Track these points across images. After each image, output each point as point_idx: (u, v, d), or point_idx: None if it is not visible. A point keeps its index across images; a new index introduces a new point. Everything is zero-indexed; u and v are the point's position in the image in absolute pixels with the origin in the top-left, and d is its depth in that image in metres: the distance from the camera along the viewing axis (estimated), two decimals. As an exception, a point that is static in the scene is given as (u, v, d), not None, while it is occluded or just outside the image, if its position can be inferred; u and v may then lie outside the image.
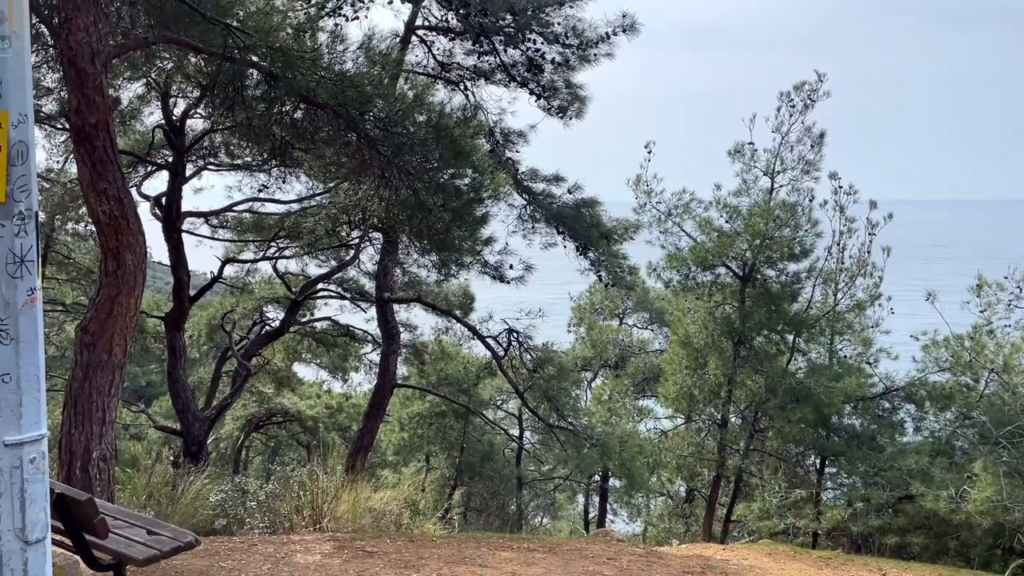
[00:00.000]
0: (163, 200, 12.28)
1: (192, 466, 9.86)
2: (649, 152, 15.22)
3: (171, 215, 12.04)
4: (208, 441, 13.22)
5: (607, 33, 11.39)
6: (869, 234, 14.74)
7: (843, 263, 14.95)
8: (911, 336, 14.70)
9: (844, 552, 12.57)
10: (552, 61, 11.71)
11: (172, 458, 13.18)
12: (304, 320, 17.16)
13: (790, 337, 15.05)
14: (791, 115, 14.70)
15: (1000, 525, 11.31)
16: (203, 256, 15.21)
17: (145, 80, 10.80)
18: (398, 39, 11.47)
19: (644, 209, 15.24)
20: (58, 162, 14.05)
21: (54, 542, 3.37)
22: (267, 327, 16.79)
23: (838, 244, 14.93)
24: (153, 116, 12.17)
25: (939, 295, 14.05)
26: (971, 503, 11.73)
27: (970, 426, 13.86)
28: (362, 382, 21.34)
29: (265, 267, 16.29)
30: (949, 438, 14.09)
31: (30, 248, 2.46)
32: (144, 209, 11.88)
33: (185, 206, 12.69)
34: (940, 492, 12.11)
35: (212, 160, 12.96)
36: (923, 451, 13.38)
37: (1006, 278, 13.82)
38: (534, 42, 11.49)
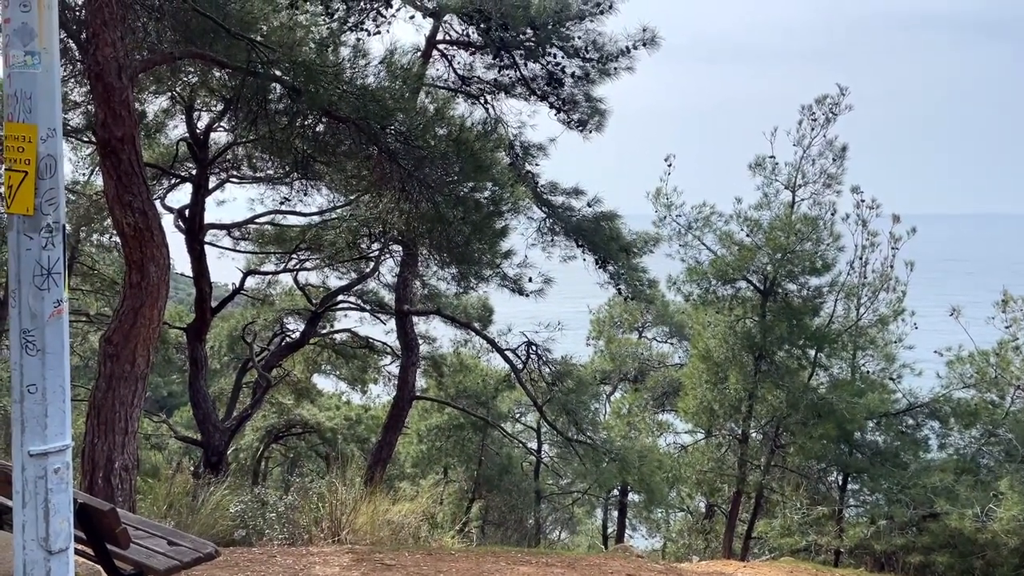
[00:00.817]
0: (186, 212, 12.40)
1: (212, 477, 9.92)
2: (669, 165, 15.21)
3: (194, 227, 12.15)
4: (228, 452, 13.29)
5: (627, 47, 11.41)
6: (892, 248, 14.63)
7: (865, 277, 14.83)
8: (935, 352, 14.54)
9: (867, 571, 12.40)
10: (572, 75, 11.73)
11: (192, 468, 13.26)
12: (324, 332, 17.24)
13: (812, 352, 14.92)
14: (813, 128, 14.65)
15: (1027, 545, 11.13)
16: (225, 268, 15.35)
17: (170, 94, 10.94)
18: (419, 53, 11.55)
19: (664, 222, 15.21)
20: (84, 174, 14.26)
21: (75, 551, 3.39)
22: (287, 338, 16.88)
23: (860, 258, 14.81)
24: (177, 129, 12.33)
25: (963, 310, 13.90)
26: (997, 522, 11.55)
27: (996, 443, 13.66)
28: (381, 394, 21.41)
29: (286, 279, 16.41)
30: (974, 455, 13.89)
31: (57, 260, 2.50)
32: (167, 221, 12.01)
33: (208, 218, 12.81)
34: (965, 510, 11.93)
35: (235, 173, 13.09)
36: (948, 468, 13.19)
37: (1032, 293, 13.67)
38: (554, 56, 11.53)
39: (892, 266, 14.64)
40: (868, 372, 14.98)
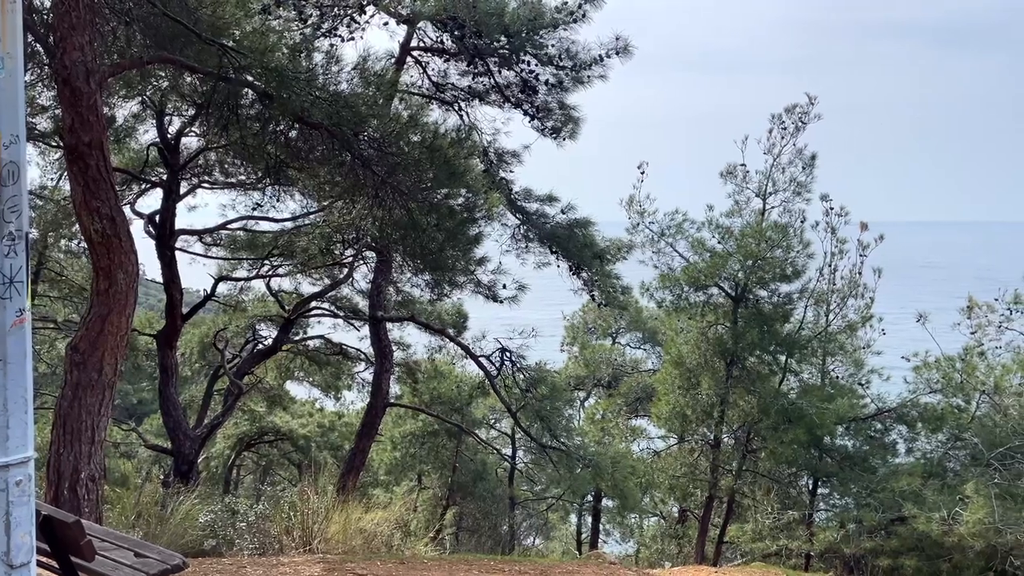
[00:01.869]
0: (157, 218, 12.28)
1: (182, 486, 9.80)
2: (642, 173, 15.31)
3: (165, 233, 12.03)
4: (199, 460, 13.13)
5: (600, 55, 11.46)
6: (860, 255, 14.82)
7: (835, 284, 15.02)
8: (902, 357, 14.74)
9: (836, 574, 12.54)
10: (546, 82, 11.77)
11: (162, 477, 13.10)
12: (297, 338, 17.11)
13: (782, 358, 15.08)
14: (783, 137, 14.83)
15: (992, 547, 11.30)
16: (196, 274, 15.20)
17: (140, 99, 10.83)
18: (393, 60, 11.53)
19: (637, 229, 15.31)
20: (52, 179, 14.07)
21: (39, 563, 3.34)
22: (260, 345, 16.74)
23: (830, 265, 15.00)
24: (148, 134, 12.21)
25: (930, 316, 14.12)
26: (963, 525, 11.72)
27: (962, 447, 13.87)
28: (355, 401, 21.26)
29: (258, 285, 16.29)
30: (941, 459, 14.09)
31: (20, 269, 2.46)
32: (137, 227, 11.89)
33: (179, 224, 12.69)
34: (932, 514, 12.10)
35: (206, 178, 12.99)
36: (915, 472, 13.38)
37: (996, 300, 13.91)
38: (528, 64, 11.56)
39: (860, 273, 14.84)
40: (837, 377, 15.15)
